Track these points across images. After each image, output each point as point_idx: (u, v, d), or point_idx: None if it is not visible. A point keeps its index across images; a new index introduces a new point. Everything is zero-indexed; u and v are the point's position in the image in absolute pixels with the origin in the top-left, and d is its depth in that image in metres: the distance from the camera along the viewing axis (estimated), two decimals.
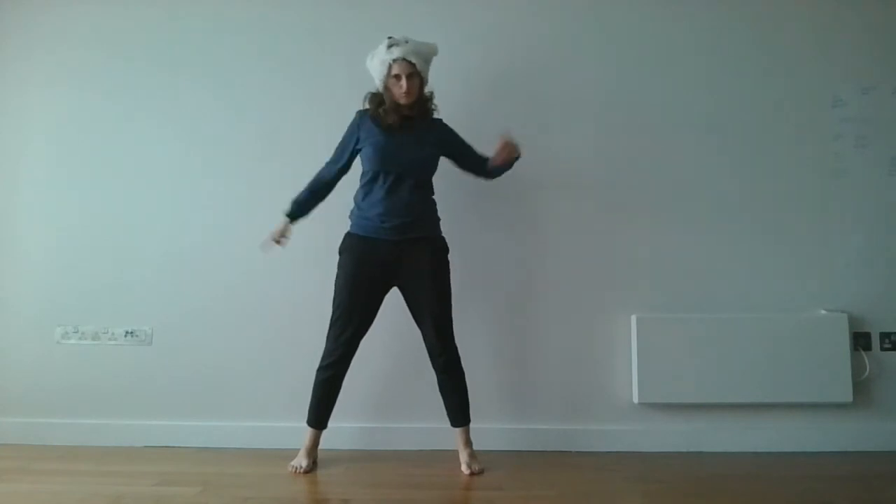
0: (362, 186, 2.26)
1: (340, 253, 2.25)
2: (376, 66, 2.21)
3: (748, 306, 2.52)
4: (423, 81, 2.23)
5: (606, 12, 2.64)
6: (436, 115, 2.32)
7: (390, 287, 2.25)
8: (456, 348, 2.23)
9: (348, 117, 2.31)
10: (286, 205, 2.28)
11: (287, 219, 2.28)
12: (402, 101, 2.19)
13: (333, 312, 2.21)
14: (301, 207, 2.29)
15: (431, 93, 2.29)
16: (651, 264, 2.55)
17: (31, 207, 2.64)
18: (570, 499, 1.96)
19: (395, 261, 2.19)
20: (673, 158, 2.59)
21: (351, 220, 2.27)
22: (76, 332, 2.58)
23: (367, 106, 2.26)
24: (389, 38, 2.19)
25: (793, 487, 2.07)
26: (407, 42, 2.18)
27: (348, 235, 2.26)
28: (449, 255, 2.27)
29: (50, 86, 2.68)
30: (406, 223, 2.18)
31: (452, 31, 2.61)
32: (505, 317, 2.55)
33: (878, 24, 2.62)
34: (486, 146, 2.52)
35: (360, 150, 2.26)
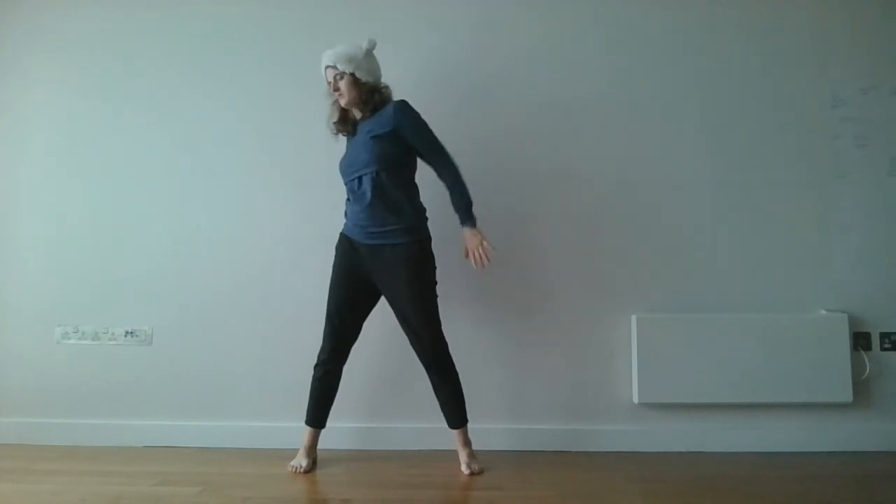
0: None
1: (335, 251, 2.28)
2: None
3: (748, 306, 2.52)
4: (356, 79, 2.18)
5: (605, 12, 2.64)
6: (396, 98, 2.24)
7: (376, 288, 2.23)
8: (441, 351, 2.19)
9: None
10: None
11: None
12: (341, 103, 2.23)
13: (326, 310, 2.24)
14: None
15: (377, 84, 2.22)
16: (651, 264, 2.55)
17: (31, 207, 2.64)
18: (570, 499, 1.96)
19: (371, 264, 2.18)
20: (672, 158, 2.59)
21: None
22: (76, 332, 2.58)
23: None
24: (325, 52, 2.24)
25: (793, 487, 2.07)
26: (333, 49, 2.20)
27: (340, 235, 2.29)
28: (434, 258, 2.20)
29: (50, 86, 2.68)
30: (370, 227, 2.15)
31: (451, 30, 2.62)
32: (505, 317, 2.54)
33: (878, 24, 2.62)
34: (488, 146, 2.53)
35: None
